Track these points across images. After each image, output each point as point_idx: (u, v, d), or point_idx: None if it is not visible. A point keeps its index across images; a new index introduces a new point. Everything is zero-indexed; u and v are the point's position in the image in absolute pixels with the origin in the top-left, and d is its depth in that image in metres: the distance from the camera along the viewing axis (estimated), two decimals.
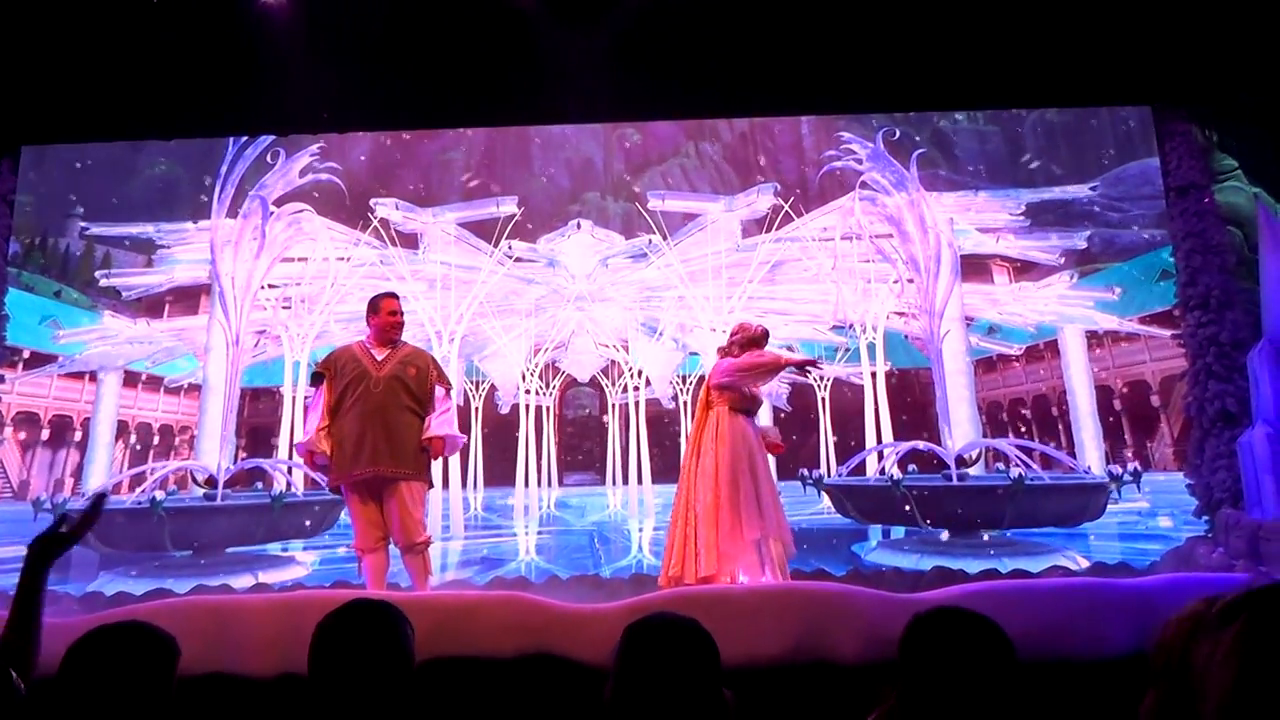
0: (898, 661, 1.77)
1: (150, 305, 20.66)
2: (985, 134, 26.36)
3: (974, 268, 18.40)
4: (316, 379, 5.35)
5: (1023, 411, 23.96)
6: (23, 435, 23.09)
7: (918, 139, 19.11)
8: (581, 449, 26.31)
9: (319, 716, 1.60)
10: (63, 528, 2.08)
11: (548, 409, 19.34)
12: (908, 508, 9.87)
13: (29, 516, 9.70)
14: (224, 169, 12.70)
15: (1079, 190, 19.56)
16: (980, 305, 18.28)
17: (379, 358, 5.31)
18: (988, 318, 19.06)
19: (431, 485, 5.55)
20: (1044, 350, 21.62)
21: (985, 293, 18.82)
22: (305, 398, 12.87)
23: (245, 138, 12.59)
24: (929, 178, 15.63)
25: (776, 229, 16.01)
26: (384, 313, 5.40)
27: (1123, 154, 22.30)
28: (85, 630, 1.77)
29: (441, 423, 5.32)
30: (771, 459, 5.63)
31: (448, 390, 5.49)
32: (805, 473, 11.96)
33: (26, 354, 20.25)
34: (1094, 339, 19.41)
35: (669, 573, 5.33)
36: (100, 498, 2.17)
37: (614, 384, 20.00)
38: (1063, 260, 18.22)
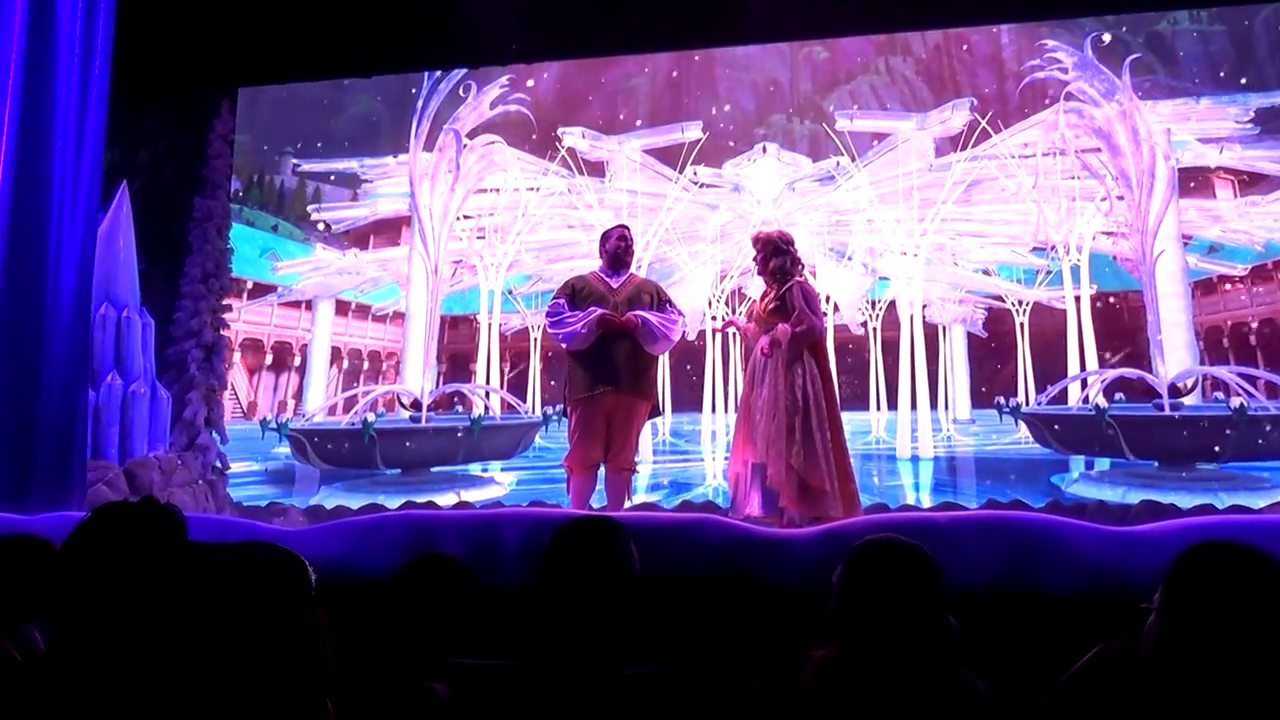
0: (1164, 591, 1.70)
1: (357, 237, 21.84)
2: (1209, 34, 24.08)
3: (1193, 182, 17.03)
4: (558, 303, 5.47)
5: (1247, 337, 22.27)
6: (249, 360, 25.08)
7: (1131, 44, 17.65)
8: None
9: (545, 624, 1.67)
10: None
11: (734, 335, 19.35)
12: (1114, 436, 9.39)
13: (257, 434, 10.57)
14: (419, 104, 13.19)
15: None
16: (1200, 222, 16.89)
17: (614, 284, 5.51)
18: (1208, 236, 17.60)
19: (659, 413, 5.70)
20: (1273, 270, 19.93)
21: (1206, 209, 17.38)
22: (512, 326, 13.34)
23: (439, 72, 13.00)
24: (1143, 85, 14.44)
25: (973, 146, 15.26)
26: (614, 239, 5.59)
27: None
28: (321, 535, 1.88)
29: (653, 316, 5.36)
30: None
31: (678, 310, 5.68)
32: (1002, 400, 11.56)
33: (250, 285, 21.84)
34: None
35: None
36: None
37: None
38: None
